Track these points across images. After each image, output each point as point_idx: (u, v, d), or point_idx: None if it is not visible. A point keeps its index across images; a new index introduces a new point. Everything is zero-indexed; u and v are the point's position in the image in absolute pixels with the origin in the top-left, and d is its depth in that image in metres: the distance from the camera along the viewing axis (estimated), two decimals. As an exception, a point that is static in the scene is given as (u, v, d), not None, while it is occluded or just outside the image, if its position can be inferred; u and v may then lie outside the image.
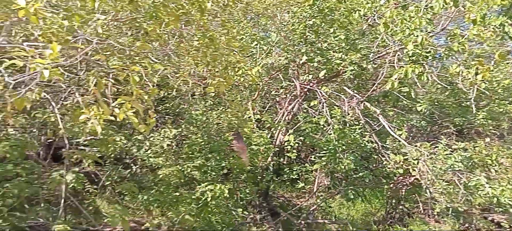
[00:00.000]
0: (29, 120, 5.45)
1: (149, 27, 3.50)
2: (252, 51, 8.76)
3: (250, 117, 8.66)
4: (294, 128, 8.83)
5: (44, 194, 6.09)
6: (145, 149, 6.86)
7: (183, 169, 6.45)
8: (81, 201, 6.87)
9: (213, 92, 5.32)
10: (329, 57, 8.21)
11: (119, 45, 3.36)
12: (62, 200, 4.84)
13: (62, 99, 6.50)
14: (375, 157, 9.16)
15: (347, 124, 8.16)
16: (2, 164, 5.11)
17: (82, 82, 5.29)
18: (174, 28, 4.09)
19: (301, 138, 8.84)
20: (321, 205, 8.80)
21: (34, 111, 5.24)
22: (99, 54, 3.36)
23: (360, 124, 8.23)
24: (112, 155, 6.79)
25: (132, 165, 7.77)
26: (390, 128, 7.94)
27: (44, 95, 4.58)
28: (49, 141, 7.03)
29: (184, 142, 7.87)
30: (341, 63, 8.08)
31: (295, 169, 8.79)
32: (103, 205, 7.36)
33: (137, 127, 2.85)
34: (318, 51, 8.35)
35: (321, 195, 9.06)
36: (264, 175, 8.69)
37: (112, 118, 2.72)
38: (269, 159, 8.78)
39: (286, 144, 8.58)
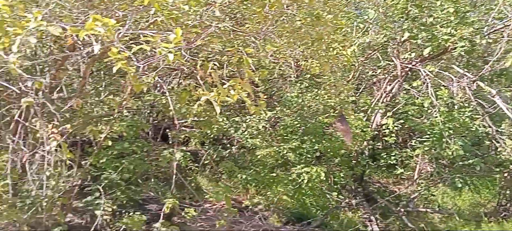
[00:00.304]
0: (143, 102, 5.91)
1: (257, 9, 3.49)
2: (346, 30, 8.39)
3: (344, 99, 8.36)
4: (393, 110, 8.30)
5: (153, 170, 6.61)
6: (242, 130, 7.04)
7: (279, 151, 6.49)
8: (184, 177, 7.34)
9: (313, 73, 5.19)
10: (435, 33, 7.49)
11: (233, 28, 3.40)
12: (174, 177, 5.18)
13: (167, 82, 6.96)
14: (488, 142, 8.22)
15: (456, 106, 7.41)
16: (120, 142, 5.64)
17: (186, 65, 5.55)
18: (277, 8, 4.02)
19: (401, 121, 8.30)
20: (423, 193, 8.20)
21: (146, 94, 5.67)
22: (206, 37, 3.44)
23: (471, 106, 7.42)
24: (212, 136, 7.10)
25: (229, 145, 8.06)
26: (508, 110, 7.02)
27: (156, 79, 4.90)
28: (154, 121, 7.61)
29: (278, 124, 7.92)
30: (450, 39, 7.32)
31: (393, 154, 8.30)
32: (203, 182, 7.77)
33: (250, 108, 2.86)
34: (422, 27, 7.67)
35: (422, 182, 8.44)
36: (359, 159, 8.38)
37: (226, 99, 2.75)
38: (365, 143, 8.42)
39: (383, 127, 8.13)
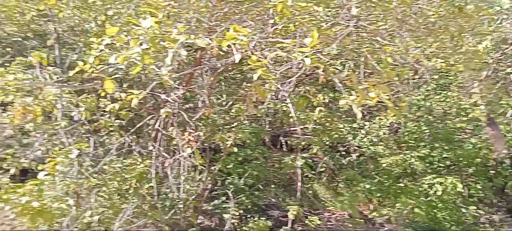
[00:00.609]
0: (265, 109, 6.05)
1: (389, 5, 3.27)
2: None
3: (477, 101, 7.41)
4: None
5: (272, 176, 6.72)
6: (360, 137, 6.72)
7: (406, 159, 6.00)
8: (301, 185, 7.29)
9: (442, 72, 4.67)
10: None
11: (365, 26, 3.25)
12: (299, 184, 5.17)
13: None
14: None
15: None
16: (243, 149, 5.87)
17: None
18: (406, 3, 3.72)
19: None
20: None
21: (266, 101, 5.79)
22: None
23: None
24: (327, 143, 6.91)
25: (345, 152, 7.78)
26: None
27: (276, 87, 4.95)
28: (269, 128, 7.74)
29: (399, 130, 7.38)
30: None
31: (544, 163, 7.04)
32: (320, 190, 7.62)
33: (391, 111, 2.65)
34: None
35: None
36: (498, 169, 7.30)
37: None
38: (505, 151, 7.31)
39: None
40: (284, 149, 7.54)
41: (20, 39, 6.31)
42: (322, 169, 7.52)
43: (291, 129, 7.53)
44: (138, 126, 5.15)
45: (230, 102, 5.88)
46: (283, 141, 7.54)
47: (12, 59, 5.65)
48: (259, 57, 2.53)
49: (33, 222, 3.84)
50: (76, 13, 5.44)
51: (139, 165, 4.89)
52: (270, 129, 7.73)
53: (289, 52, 2.60)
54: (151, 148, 5.19)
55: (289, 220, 4.81)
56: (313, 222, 5.25)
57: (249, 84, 6.86)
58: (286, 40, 2.64)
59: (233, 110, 6.37)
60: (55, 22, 5.57)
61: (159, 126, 5.08)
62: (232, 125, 5.87)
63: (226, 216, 5.21)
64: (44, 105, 4.58)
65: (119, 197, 4.96)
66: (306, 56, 2.45)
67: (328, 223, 6.20)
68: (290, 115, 5.14)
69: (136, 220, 4.93)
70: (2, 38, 6.34)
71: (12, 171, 4.98)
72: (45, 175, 4.13)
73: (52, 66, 5.29)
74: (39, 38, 6.27)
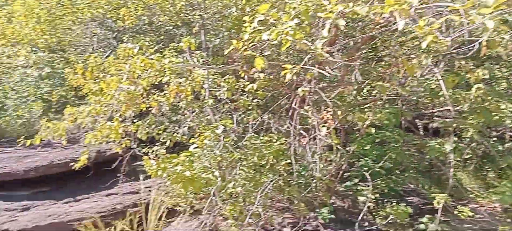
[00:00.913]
0: (411, 87, 5.61)
1: None
2: None
3: None
4: None
5: (409, 161, 6.23)
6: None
7: None
8: (443, 172, 6.63)
9: None
10: None
11: None
12: (451, 171, 4.67)
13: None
14: None
15: None
16: (379, 130, 5.55)
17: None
18: None
19: None
20: None
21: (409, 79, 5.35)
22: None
23: None
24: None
25: (497, 138, 6.76)
26: None
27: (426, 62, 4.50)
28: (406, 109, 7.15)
29: None
30: None
31: None
32: (464, 179, 6.83)
33: None
34: None
35: None
36: None
37: None
38: None
39: None
40: (421, 133, 6.92)
41: (170, 27, 7.05)
42: (468, 156, 6.68)
43: (435, 110, 6.88)
44: (276, 104, 5.30)
45: (366, 82, 5.58)
46: (420, 123, 6.92)
47: (165, 46, 6.37)
48: (429, 23, 2.28)
49: (185, 189, 4.27)
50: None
51: (275, 142, 5.03)
52: (409, 110, 7.13)
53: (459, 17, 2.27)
54: (287, 126, 5.31)
55: (439, 209, 4.35)
56: (463, 213, 4.68)
57: (383, 63, 6.44)
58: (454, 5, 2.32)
59: (366, 90, 6.08)
60: (200, 10, 6.03)
61: (295, 104, 5.14)
62: (367, 105, 5.58)
63: (361, 198, 5.02)
64: (193, 85, 5.03)
65: (254, 172, 5.19)
66: (488, 19, 2.12)
67: (480, 216, 5.48)
68: (440, 94, 4.63)
69: (272, 195, 5.12)
70: (156, 27, 7.18)
71: (167, 143, 5.63)
72: (195, 147, 4.54)
73: (199, 50, 5.78)
74: (186, 26, 6.92)
